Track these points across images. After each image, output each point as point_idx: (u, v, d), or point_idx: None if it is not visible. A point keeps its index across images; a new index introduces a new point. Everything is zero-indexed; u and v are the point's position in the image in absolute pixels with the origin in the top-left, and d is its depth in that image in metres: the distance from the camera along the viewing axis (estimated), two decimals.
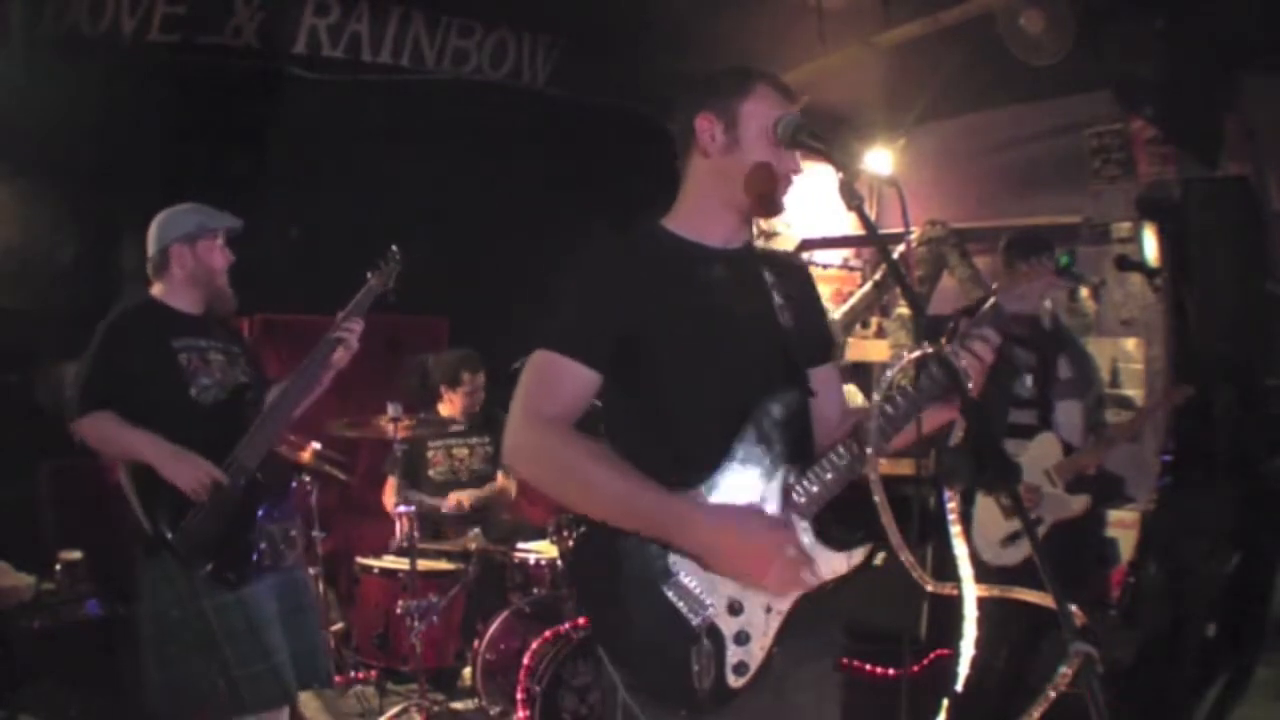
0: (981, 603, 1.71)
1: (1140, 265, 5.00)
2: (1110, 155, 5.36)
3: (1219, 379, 4.31)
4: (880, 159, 6.02)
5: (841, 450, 1.79)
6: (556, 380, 1.75)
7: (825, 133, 1.79)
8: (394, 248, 3.10)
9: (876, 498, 1.60)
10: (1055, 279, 3.51)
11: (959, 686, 3.43)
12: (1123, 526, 4.95)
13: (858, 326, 6.38)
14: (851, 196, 1.70)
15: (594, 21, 4.84)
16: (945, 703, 3.50)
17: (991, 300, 1.91)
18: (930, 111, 5.78)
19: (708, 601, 1.71)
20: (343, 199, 4.42)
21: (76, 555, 3.72)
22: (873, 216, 2.03)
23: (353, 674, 4.35)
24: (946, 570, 1.68)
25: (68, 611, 3.58)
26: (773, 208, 1.88)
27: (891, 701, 3.76)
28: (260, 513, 2.84)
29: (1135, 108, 4.79)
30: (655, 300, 1.78)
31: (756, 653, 1.72)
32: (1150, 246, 5.06)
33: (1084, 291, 5.50)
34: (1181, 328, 4.73)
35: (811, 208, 6.49)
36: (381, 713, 3.98)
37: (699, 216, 1.89)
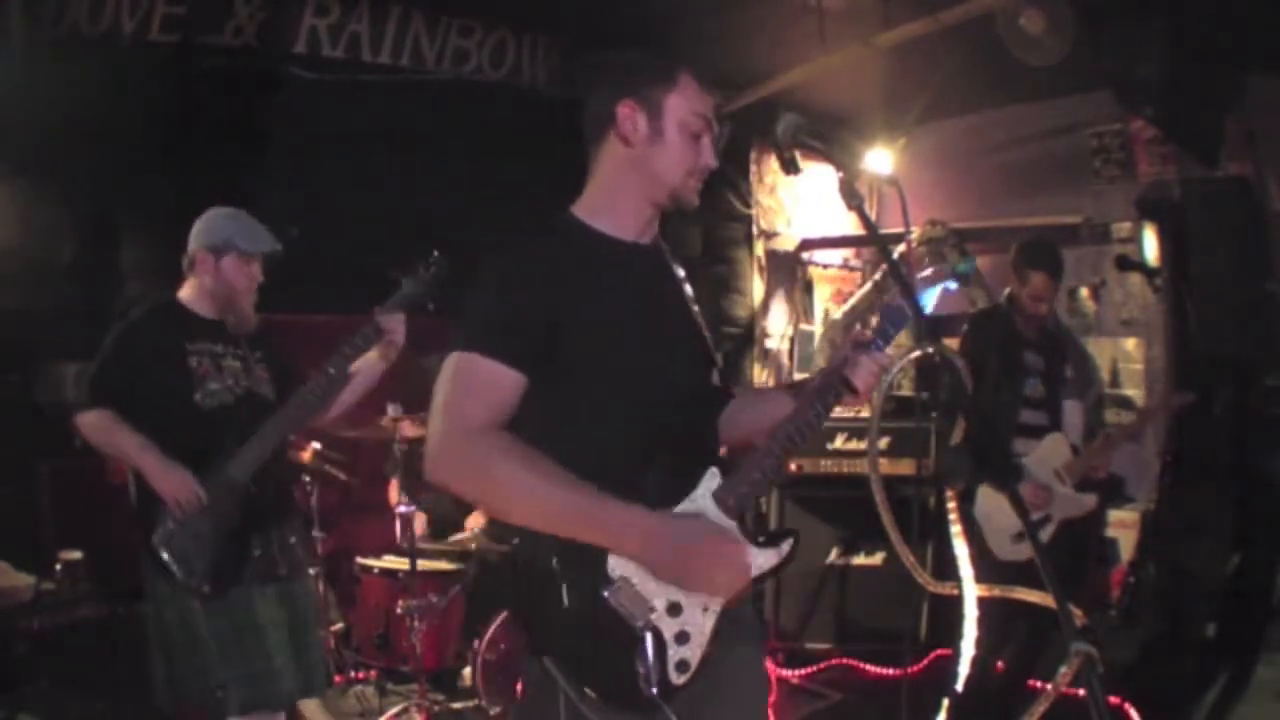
0: (982, 602, 1.71)
1: (1140, 265, 5.01)
2: (1110, 155, 5.36)
3: (1219, 379, 4.32)
4: (880, 159, 6.01)
5: (767, 453, 1.80)
6: (479, 385, 1.68)
7: (825, 132, 1.79)
8: (435, 252, 2.95)
9: (877, 498, 1.60)
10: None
11: (959, 686, 3.45)
12: (1123, 526, 4.96)
13: (858, 326, 6.38)
14: (851, 196, 1.70)
15: (594, 21, 4.83)
16: (945, 703, 3.51)
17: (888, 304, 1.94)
18: (930, 111, 5.78)
19: (648, 605, 1.71)
20: (342, 199, 4.41)
21: (76, 555, 3.71)
22: (873, 216, 2.03)
23: (353, 674, 4.35)
24: (946, 570, 1.69)
25: (68, 611, 3.58)
26: (686, 203, 1.86)
27: (891, 701, 3.76)
28: (253, 524, 2.81)
29: (1135, 108, 4.79)
30: (577, 297, 1.73)
31: (696, 650, 1.74)
32: (1150, 246, 5.06)
33: (1084, 291, 5.51)
34: (1181, 328, 4.73)
35: (811, 208, 6.51)
36: (381, 713, 3.98)
37: (614, 209, 1.85)
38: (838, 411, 1.91)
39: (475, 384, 1.68)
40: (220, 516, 2.73)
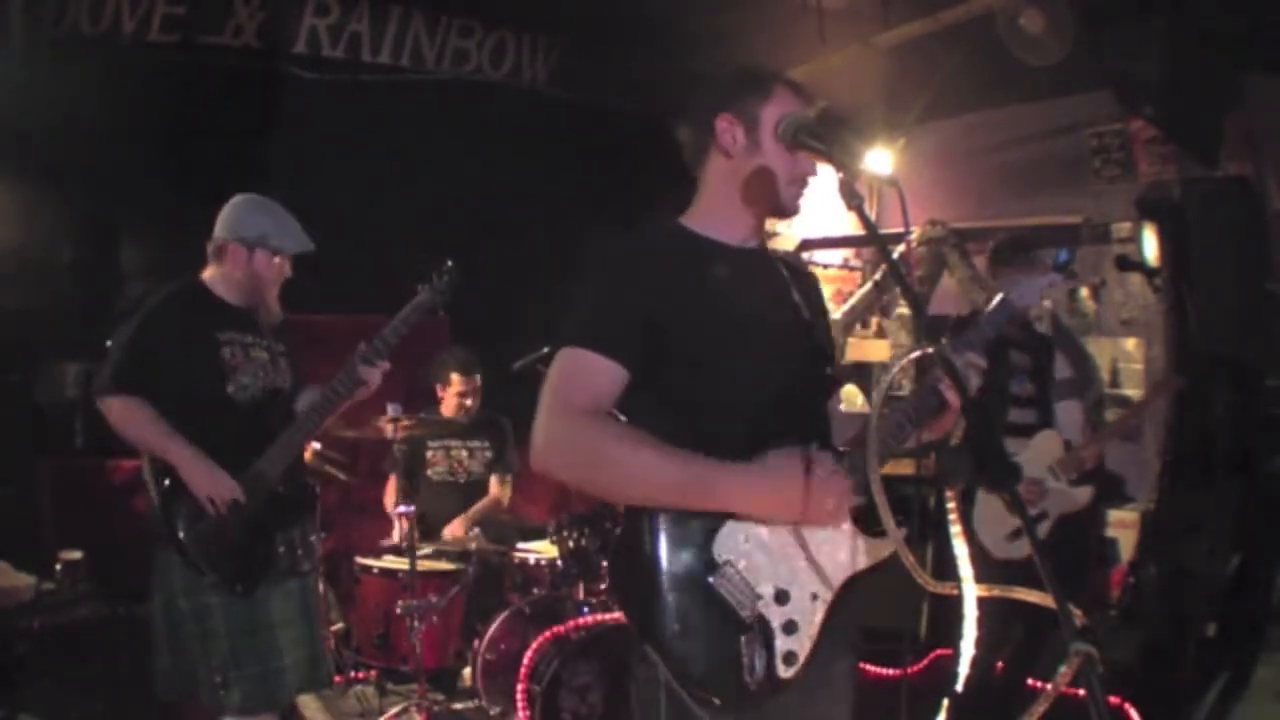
0: (982, 602, 1.71)
1: (1140, 265, 5.00)
2: (1110, 155, 5.36)
3: (1219, 379, 4.32)
4: (880, 159, 6.02)
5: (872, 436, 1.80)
6: (582, 375, 1.72)
7: (825, 132, 1.79)
8: (449, 262, 2.98)
9: (877, 498, 1.59)
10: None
11: (959, 686, 3.45)
12: (1123, 526, 4.96)
13: (858, 326, 6.38)
14: (851, 196, 1.70)
15: (594, 21, 4.84)
16: (945, 703, 3.51)
17: (998, 298, 1.95)
18: (930, 111, 5.78)
19: (755, 592, 1.69)
20: (343, 199, 4.42)
21: (76, 555, 3.72)
22: (873, 216, 2.03)
23: (353, 674, 4.34)
24: (946, 570, 1.68)
25: (68, 611, 3.58)
26: (788, 210, 1.90)
27: (891, 701, 3.76)
28: (279, 521, 2.80)
29: (1135, 108, 4.79)
30: (680, 295, 1.77)
31: (805, 641, 1.72)
32: (1150, 246, 5.06)
33: (1084, 291, 5.51)
34: (1181, 328, 4.73)
35: (811, 208, 6.50)
36: (381, 713, 3.98)
37: (718, 216, 1.89)
38: None
39: (578, 375, 1.72)
40: (250, 514, 2.71)
